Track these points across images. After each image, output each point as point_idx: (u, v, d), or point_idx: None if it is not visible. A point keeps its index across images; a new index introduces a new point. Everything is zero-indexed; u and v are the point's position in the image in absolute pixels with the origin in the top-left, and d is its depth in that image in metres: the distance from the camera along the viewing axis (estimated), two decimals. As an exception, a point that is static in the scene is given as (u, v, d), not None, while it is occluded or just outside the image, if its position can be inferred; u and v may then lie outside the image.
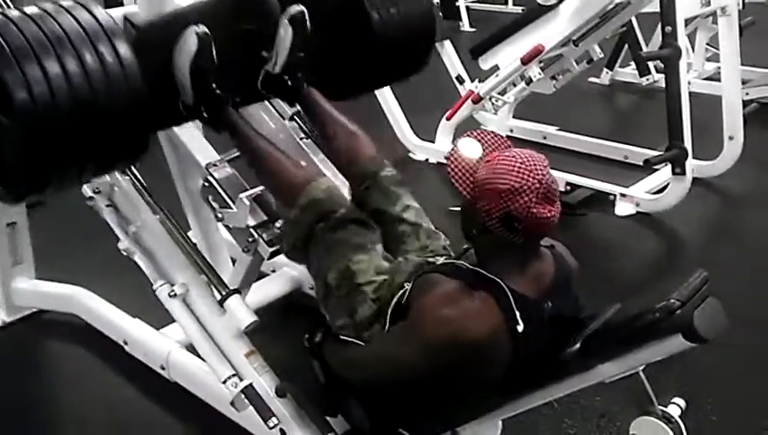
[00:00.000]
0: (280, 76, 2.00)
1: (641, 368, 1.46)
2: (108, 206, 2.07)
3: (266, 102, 2.27)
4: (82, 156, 1.58)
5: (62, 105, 1.47)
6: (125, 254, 2.02)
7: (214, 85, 1.88)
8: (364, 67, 2.17)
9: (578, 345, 1.48)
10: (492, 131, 1.62)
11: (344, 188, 2.00)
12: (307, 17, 1.93)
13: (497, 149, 1.57)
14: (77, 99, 1.48)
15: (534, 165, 1.45)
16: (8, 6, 2.00)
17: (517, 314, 1.47)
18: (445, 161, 1.56)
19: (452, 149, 1.56)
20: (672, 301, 1.36)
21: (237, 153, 2.02)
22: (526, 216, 1.43)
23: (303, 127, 2.29)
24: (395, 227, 1.87)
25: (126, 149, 1.65)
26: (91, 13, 1.57)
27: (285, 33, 1.92)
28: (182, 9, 1.97)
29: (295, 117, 2.30)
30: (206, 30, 1.80)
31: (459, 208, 1.60)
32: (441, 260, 1.78)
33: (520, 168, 1.44)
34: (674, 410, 1.51)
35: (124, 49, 1.56)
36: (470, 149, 1.56)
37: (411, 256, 1.81)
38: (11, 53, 1.44)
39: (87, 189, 2.07)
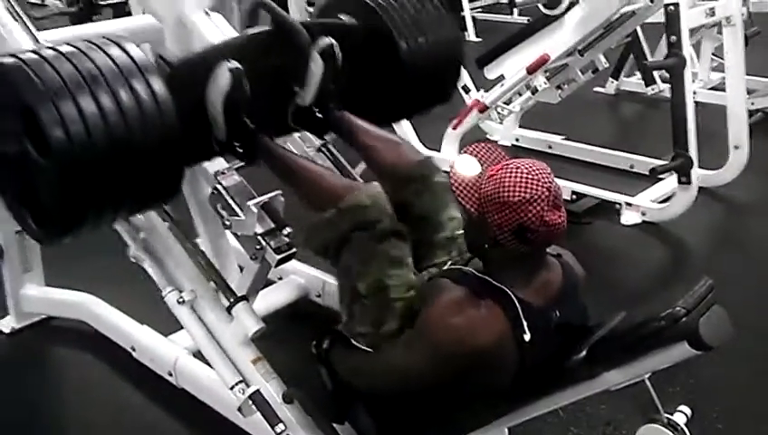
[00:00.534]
0: (310, 108, 1.99)
1: (647, 376, 1.47)
2: (117, 213, 2.08)
3: (295, 136, 2.27)
4: (118, 194, 1.57)
5: (99, 144, 1.46)
6: (134, 261, 2.03)
7: (247, 120, 1.86)
8: (392, 97, 2.17)
9: (584, 353, 1.49)
10: (486, 143, 1.63)
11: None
12: (337, 49, 1.94)
13: (495, 160, 1.58)
14: (113, 137, 1.48)
15: (540, 173, 1.47)
16: (36, 40, 2.01)
17: (524, 322, 1.48)
18: (450, 171, 1.57)
19: (452, 170, 1.56)
20: (678, 309, 1.37)
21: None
22: (540, 224, 1.44)
23: (331, 159, 2.28)
24: (434, 235, 1.85)
25: (160, 187, 1.65)
26: (123, 50, 1.57)
27: (316, 66, 1.92)
28: (214, 45, 1.97)
29: (323, 149, 2.30)
30: (239, 65, 1.80)
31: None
32: (448, 265, 1.79)
33: (527, 178, 1.45)
34: (679, 418, 1.52)
35: (158, 86, 1.55)
36: (469, 165, 1.56)
37: (434, 269, 1.79)
38: (46, 92, 1.43)
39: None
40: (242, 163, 2.01)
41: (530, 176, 1.46)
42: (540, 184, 1.45)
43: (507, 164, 1.50)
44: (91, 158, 1.46)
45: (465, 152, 1.59)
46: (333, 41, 1.94)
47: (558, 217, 1.46)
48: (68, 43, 1.56)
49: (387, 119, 2.28)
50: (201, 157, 1.96)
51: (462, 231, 1.80)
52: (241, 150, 1.90)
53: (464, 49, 2.33)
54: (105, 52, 1.55)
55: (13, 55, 1.52)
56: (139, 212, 1.85)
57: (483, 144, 1.62)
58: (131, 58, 1.56)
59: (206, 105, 1.84)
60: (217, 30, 2.13)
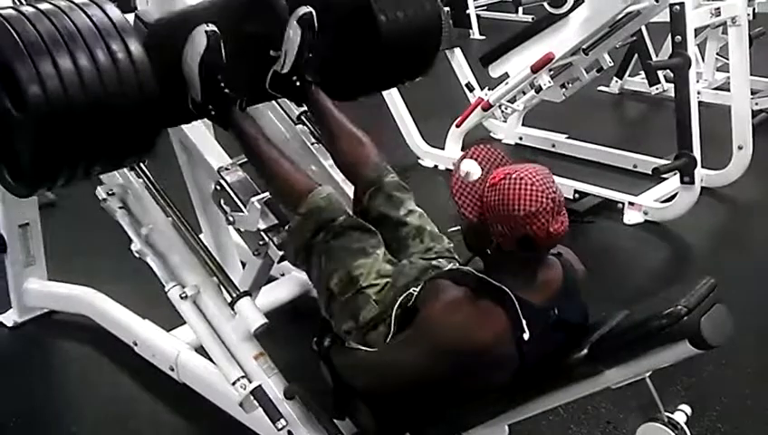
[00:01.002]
0: (288, 76, 2.03)
1: (648, 374, 1.47)
2: (121, 208, 2.09)
3: (275, 103, 2.30)
4: (92, 151, 1.60)
5: (74, 100, 1.49)
6: (137, 255, 2.04)
7: (222, 84, 1.90)
8: (370, 68, 2.19)
9: (585, 351, 1.49)
10: (487, 146, 1.61)
11: (350, 192, 2.02)
12: (315, 18, 1.96)
13: (497, 163, 1.57)
14: (89, 94, 1.50)
15: (543, 183, 1.46)
16: (21, 2, 2.01)
17: (523, 322, 1.48)
18: (452, 174, 1.57)
19: (453, 174, 1.55)
20: (679, 307, 1.37)
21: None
22: (544, 236, 1.45)
23: (313, 130, 2.31)
24: (399, 230, 1.89)
25: (135, 146, 1.68)
26: (103, 10, 1.59)
27: (294, 34, 1.96)
28: (192, 8, 2.00)
29: (303, 117, 2.33)
30: (216, 29, 1.83)
31: (459, 229, 1.61)
32: (448, 265, 1.80)
33: (531, 190, 1.44)
34: (680, 417, 1.52)
35: (135, 46, 1.58)
36: (470, 170, 1.55)
37: (415, 258, 1.83)
38: (24, 49, 1.46)
39: (101, 191, 2.10)
40: (245, 159, 2.01)
41: (533, 187, 1.44)
42: (544, 196, 1.44)
43: (510, 173, 1.48)
44: (66, 114, 1.49)
45: (467, 156, 1.58)
46: (312, 10, 1.96)
47: (561, 225, 1.46)
48: (48, 1, 1.58)
49: (365, 89, 2.32)
50: (178, 119, 2.00)
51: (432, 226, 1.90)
52: (214, 114, 1.94)
53: (442, 23, 2.33)
54: (84, 11, 1.57)
55: None
56: (114, 169, 1.89)
57: (484, 146, 1.61)
58: (110, 18, 1.59)
59: (183, 67, 1.87)
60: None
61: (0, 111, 1.52)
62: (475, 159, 1.58)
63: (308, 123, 2.33)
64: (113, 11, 1.61)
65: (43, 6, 1.56)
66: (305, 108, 2.26)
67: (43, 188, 1.66)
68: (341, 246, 1.77)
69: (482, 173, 1.54)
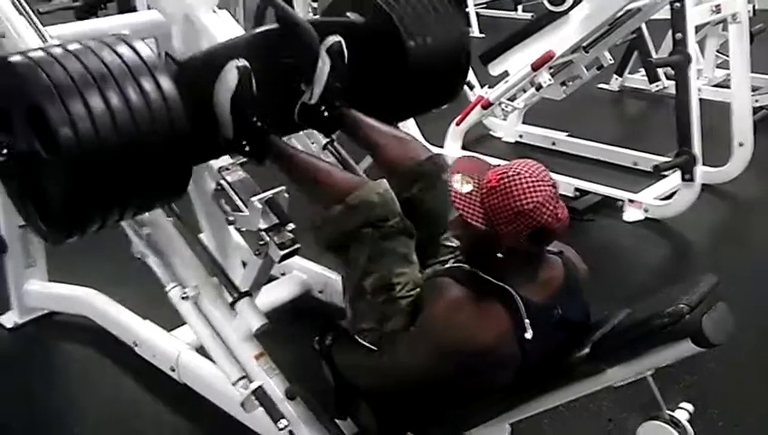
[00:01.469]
0: (316, 106, 1.99)
1: (650, 373, 1.47)
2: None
3: (300, 133, 2.27)
4: (126, 193, 1.57)
5: (107, 142, 1.45)
6: (138, 256, 2.04)
7: (254, 118, 1.86)
8: (398, 95, 2.17)
9: (587, 350, 1.49)
10: (466, 156, 1.61)
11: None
12: (344, 47, 1.94)
13: (483, 169, 1.56)
14: (121, 135, 1.47)
15: (539, 173, 1.48)
16: (42, 36, 2.00)
17: (526, 321, 1.48)
18: (451, 191, 1.54)
19: (452, 190, 1.53)
20: (681, 306, 1.37)
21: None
22: (555, 222, 1.46)
23: (337, 157, 2.29)
24: (439, 233, 1.84)
25: (168, 185, 1.65)
26: (132, 48, 1.57)
27: (323, 65, 1.93)
28: (222, 44, 1.97)
29: (329, 146, 2.30)
30: (246, 63, 1.80)
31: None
32: (450, 263, 1.79)
33: (533, 182, 1.46)
34: (681, 415, 1.52)
35: (167, 84, 1.55)
36: (464, 181, 1.53)
37: (438, 266, 1.80)
38: (54, 90, 1.43)
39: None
40: (246, 159, 2.01)
41: (533, 179, 1.46)
42: (545, 184, 1.46)
43: (506, 172, 1.49)
44: (100, 156, 1.45)
45: (456, 170, 1.55)
46: (341, 39, 1.94)
47: (563, 210, 1.49)
48: (77, 41, 1.55)
49: (392, 117, 2.26)
50: (209, 155, 1.96)
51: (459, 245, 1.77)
52: (248, 149, 1.90)
53: (470, 48, 2.32)
54: (114, 50, 1.55)
55: (22, 53, 1.52)
56: (147, 211, 1.84)
57: (465, 157, 1.61)
58: (140, 56, 1.56)
59: (214, 103, 1.84)
60: (225, 28, 2.13)
61: (30, 154, 1.50)
62: (463, 172, 1.55)
63: (334, 152, 2.31)
64: (143, 48, 1.58)
65: (73, 47, 1.53)
66: (332, 137, 2.24)
67: (76, 233, 1.61)
68: (388, 249, 1.71)
69: (474, 181, 1.53)
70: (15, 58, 1.50)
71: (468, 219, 1.50)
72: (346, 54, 1.95)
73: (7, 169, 1.59)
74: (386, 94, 2.16)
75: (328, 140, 2.29)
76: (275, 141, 1.93)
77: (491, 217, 1.49)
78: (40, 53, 1.51)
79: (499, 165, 1.55)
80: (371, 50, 2.12)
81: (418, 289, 1.69)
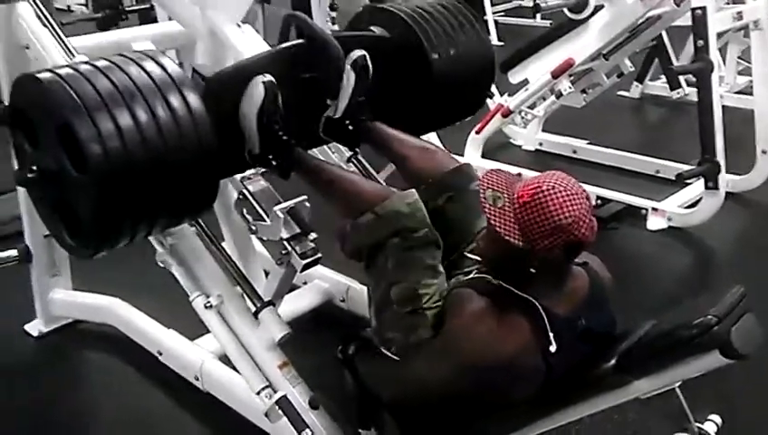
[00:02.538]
0: (341, 121, 2.00)
1: (677, 384, 1.45)
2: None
3: (324, 147, 2.28)
4: (154, 209, 1.59)
5: (136, 159, 1.47)
6: (162, 265, 2.05)
7: (281, 133, 1.87)
8: (423, 108, 2.17)
9: (613, 362, 1.48)
10: (494, 169, 1.57)
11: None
12: (369, 61, 1.95)
13: (512, 183, 1.54)
14: (150, 152, 1.49)
15: (572, 185, 1.46)
16: (68, 50, 2.01)
17: (550, 334, 1.47)
18: (484, 209, 1.52)
19: (485, 207, 1.50)
20: (709, 317, 1.35)
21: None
22: (590, 234, 1.45)
23: (361, 170, 2.30)
24: (464, 244, 1.82)
25: (196, 200, 1.66)
26: (159, 64, 1.58)
27: (348, 79, 1.94)
28: (248, 59, 1.98)
29: (353, 160, 2.31)
30: (272, 78, 1.82)
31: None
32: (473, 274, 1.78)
33: (569, 196, 1.44)
34: (710, 428, 1.51)
35: (194, 100, 1.57)
36: (496, 197, 1.51)
37: (462, 276, 1.78)
38: (83, 107, 1.44)
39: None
40: (264, 169, 2.02)
41: (569, 192, 1.45)
42: (581, 197, 1.45)
43: (540, 186, 1.46)
44: (129, 173, 1.47)
45: (485, 185, 1.52)
46: (365, 53, 1.94)
47: (594, 220, 1.47)
48: (104, 58, 1.57)
49: (416, 130, 2.26)
50: (235, 169, 1.97)
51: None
52: (275, 163, 1.91)
53: (495, 62, 2.31)
54: (141, 66, 1.56)
55: (50, 70, 1.53)
56: (175, 226, 1.86)
57: (492, 171, 1.56)
58: (167, 72, 1.57)
59: (240, 119, 1.86)
60: (251, 43, 2.14)
61: (59, 171, 1.51)
62: (493, 186, 1.53)
63: (358, 165, 2.31)
64: (170, 64, 1.59)
65: (100, 63, 1.54)
66: (356, 151, 2.24)
67: (104, 249, 1.62)
68: (416, 260, 1.70)
69: (505, 196, 1.51)
70: (45, 75, 1.52)
71: (505, 235, 1.47)
72: (371, 68, 1.96)
73: (37, 186, 1.61)
74: (410, 107, 2.16)
75: (351, 153, 2.29)
76: (302, 155, 1.94)
77: (526, 233, 1.46)
78: (68, 70, 1.52)
79: (528, 178, 1.52)
80: (396, 63, 2.12)
81: (443, 301, 1.68)
